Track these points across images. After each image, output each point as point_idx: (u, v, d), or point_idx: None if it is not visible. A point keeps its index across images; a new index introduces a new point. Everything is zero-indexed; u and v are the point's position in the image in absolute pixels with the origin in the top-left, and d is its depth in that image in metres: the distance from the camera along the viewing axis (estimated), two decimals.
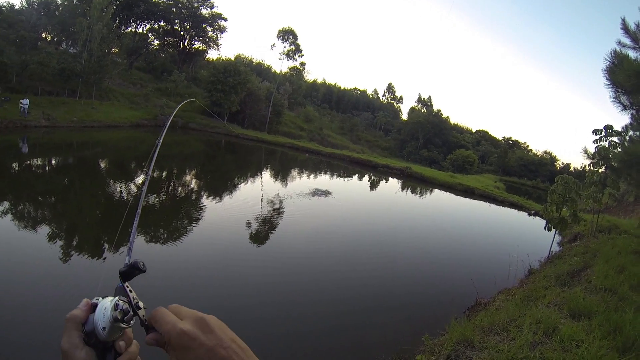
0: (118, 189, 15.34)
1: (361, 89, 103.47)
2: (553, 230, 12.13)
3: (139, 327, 0.76)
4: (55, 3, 40.23)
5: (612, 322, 4.71)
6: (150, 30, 56.64)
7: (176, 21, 55.32)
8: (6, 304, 6.09)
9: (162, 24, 55.61)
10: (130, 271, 0.79)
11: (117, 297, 0.75)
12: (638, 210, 20.67)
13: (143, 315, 0.76)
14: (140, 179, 17.77)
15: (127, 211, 1.26)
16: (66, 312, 0.73)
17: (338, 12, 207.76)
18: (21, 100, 25.62)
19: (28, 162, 17.88)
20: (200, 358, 0.64)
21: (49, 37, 41.54)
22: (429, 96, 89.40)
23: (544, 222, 12.94)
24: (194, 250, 9.74)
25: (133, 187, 15.66)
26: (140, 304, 0.78)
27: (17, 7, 37.09)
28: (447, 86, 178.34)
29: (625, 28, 8.02)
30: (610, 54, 8.13)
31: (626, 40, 8.12)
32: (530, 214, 25.96)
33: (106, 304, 0.73)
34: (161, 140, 1.42)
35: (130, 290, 0.78)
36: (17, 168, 16.38)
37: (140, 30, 56.23)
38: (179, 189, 17.47)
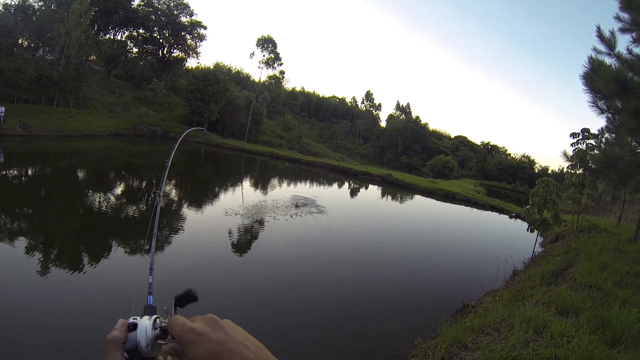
0: (102, 202, 15.03)
1: (340, 96, 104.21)
2: (535, 231, 12.39)
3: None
4: (33, 8, 39.28)
5: (599, 317, 4.84)
6: (129, 37, 55.95)
7: (155, 29, 54.75)
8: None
9: (141, 31, 54.96)
10: (186, 298, 0.83)
11: (154, 316, 0.80)
12: (616, 209, 21.27)
13: None
14: (119, 190, 17.52)
15: (148, 232, 1.28)
16: (105, 332, 0.76)
17: (316, 20, 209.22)
18: None
19: (4, 172, 17.40)
20: (209, 351, 0.65)
21: (26, 43, 40.53)
22: (408, 103, 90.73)
23: (525, 224, 13.24)
24: (180, 261, 9.57)
25: (113, 199, 15.40)
26: None
27: None
28: (425, 92, 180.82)
29: (601, 35, 8.33)
30: (587, 60, 8.40)
31: (601, 47, 8.43)
32: (511, 217, 26.41)
33: (145, 322, 0.78)
34: (170, 162, 1.43)
35: (175, 311, 0.82)
36: None
37: (119, 37, 55.54)
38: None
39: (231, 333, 0.68)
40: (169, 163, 1.43)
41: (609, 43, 8.26)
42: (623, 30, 8.05)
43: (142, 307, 0.92)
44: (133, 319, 0.80)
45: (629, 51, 8.12)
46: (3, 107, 25.25)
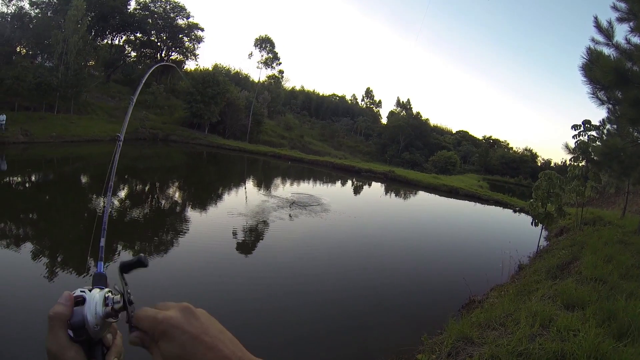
0: (98, 203, 15.07)
1: (340, 94, 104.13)
2: (540, 225, 12.37)
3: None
4: (29, 16, 39.28)
5: (606, 310, 4.82)
6: (127, 41, 55.86)
7: (152, 32, 54.69)
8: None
9: (138, 35, 54.91)
10: (133, 265, 0.74)
11: (106, 290, 0.71)
12: (620, 201, 21.21)
13: (132, 312, 0.69)
14: (124, 193, 17.54)
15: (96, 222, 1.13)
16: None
17: (313, 19, 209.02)
18: None
19: (7, 179, 17.46)
20: (183, 345, 0.60)
21: (24, 50, 40.61)
22: (408, 99, 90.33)
23: (529, 218, 13.21)
24: (184, 262, 9.61)
25: (117, 203, 15.46)
26: (132, 299, 0.72)
27: None
28: (425, 88, 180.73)
29: (598, 26, 8.29)
30: (586, 51, 8.37)
31: (599, 38, 8.40)
32: (515, 211, 26.37)
33: (95, 297, 0.69)
34: (135, 98, 1.31)
35: (125, 284, 0.72)
36: None
37: (117, 42, 55.47)
38: (163, 202, 17.26)
39: (207, 325, 0.63)
40: (134, 99, 1.32)
41: (607, 33, 8.22)
42: (620, 20, 8.01)
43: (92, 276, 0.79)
44: (81, 291, 0.70)
45: (627, 41, 8.09)
46: (4, 115, 25.33)
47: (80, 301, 0.68)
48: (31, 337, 5.46)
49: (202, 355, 0.59)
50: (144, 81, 1.63)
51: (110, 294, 0.71)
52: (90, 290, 0.70)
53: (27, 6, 40.00)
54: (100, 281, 0.75)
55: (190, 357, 0.59)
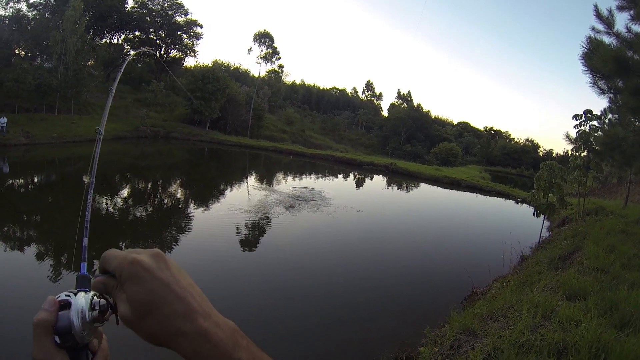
0: (109, 205, 15.14)
1: (340, 88, 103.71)
2: (542, 216, 12.36)
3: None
4: (27, 18, 39.22)
5: (608, 300, 4.82)
6: (126, 40, 55.70)
7: (151, 30, 54.52)
8: None
9: (137, 33, 54.75)
10: None
11: (92, 294, 0.67)
12: (622, 191, 21.12)
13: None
14: (126, 192, 17.60)
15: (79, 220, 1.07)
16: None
17: (312, 12, 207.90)
18: None
19: (9, 182, 17.52)
20: (152, 291, 0.57)
21: (23, 52, 40.61)
22: (409, 91, 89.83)
23: (531, 209, 13.20)
24: (185, 258, 9.62)
25: (120, 201, 15.49)
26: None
27: None
28: (426, 80, 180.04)
29: (598, 14, 8.23)
30: (586, 40, 8.32)
31: (600, 26, 8.33)
32: (517, 202, 26.32)
33: (81, 302, 0.64)
34: (115, 86, 1.28)
35: None
36: None
37: (115, 41, 55.33)
38: (164, 199, 17.30)
39: (177, 276, 0.60)
40: (114, 89, 1.30)
41: (607, 22, 8.16)
42: (621, 8, 7.95)
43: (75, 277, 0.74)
44: (66, 294, 0.65)
45: (628, 29, 8.02)
46: (5, 118, 25.31)
47: (66, 305, 0.64)
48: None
49: (170, 304, 0.57)
50: (122, 69, 1.61)
51: (96, 297, 0.67)
52: (75, 294, 0.66)
53: (24, 8, 40.02)
54: (84, 283, 0.71)
55: (157, 305, 0.57)
